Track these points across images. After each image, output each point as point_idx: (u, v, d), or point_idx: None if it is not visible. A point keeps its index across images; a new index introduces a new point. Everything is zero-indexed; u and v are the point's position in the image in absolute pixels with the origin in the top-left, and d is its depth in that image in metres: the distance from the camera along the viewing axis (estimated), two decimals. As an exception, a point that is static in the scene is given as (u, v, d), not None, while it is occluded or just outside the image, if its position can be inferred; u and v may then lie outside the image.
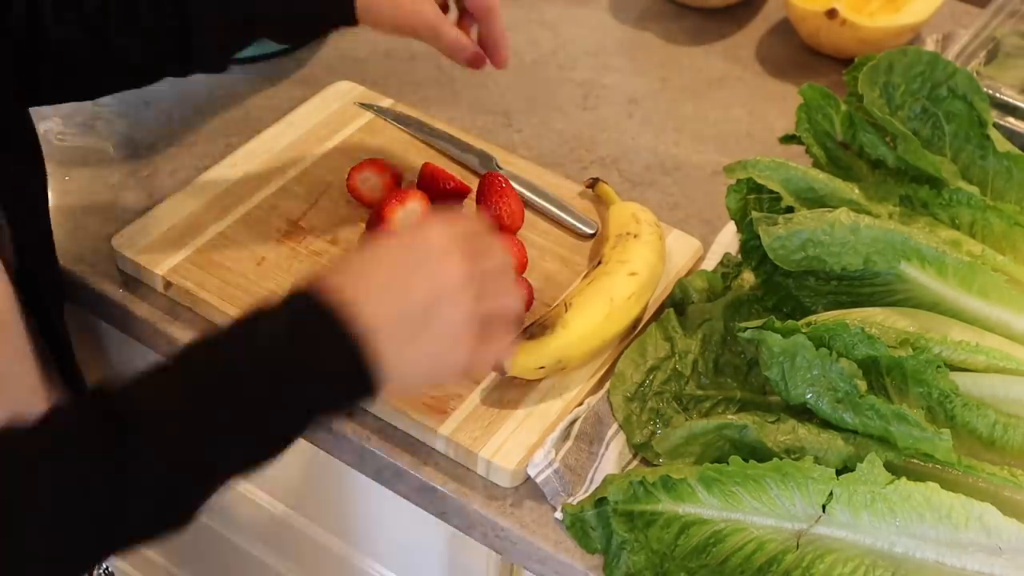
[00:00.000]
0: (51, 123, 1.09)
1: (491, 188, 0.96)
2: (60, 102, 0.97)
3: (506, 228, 0.97)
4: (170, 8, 0.86)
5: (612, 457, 0.84)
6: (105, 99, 1.13)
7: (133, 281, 0.95)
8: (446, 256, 0.67)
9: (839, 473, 0.74)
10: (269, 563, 1.18)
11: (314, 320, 0.64)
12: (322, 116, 1.09)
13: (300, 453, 0.96)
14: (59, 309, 0.89)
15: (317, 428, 0.67)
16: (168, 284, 0.93)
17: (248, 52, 1.18)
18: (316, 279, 0.66)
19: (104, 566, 1.35)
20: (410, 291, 0.66)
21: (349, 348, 0.64)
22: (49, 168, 1.05)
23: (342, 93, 1.11)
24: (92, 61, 0.87)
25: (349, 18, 0.88)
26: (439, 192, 0.98)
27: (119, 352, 1.06)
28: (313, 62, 1.20)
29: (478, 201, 0.97)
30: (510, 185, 0.97)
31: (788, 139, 1.01)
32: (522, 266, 0.94)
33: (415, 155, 1.05)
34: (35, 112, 0.88)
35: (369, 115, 1.09)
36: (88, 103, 1.12)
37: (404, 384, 0.68)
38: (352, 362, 0.64)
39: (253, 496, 1.11)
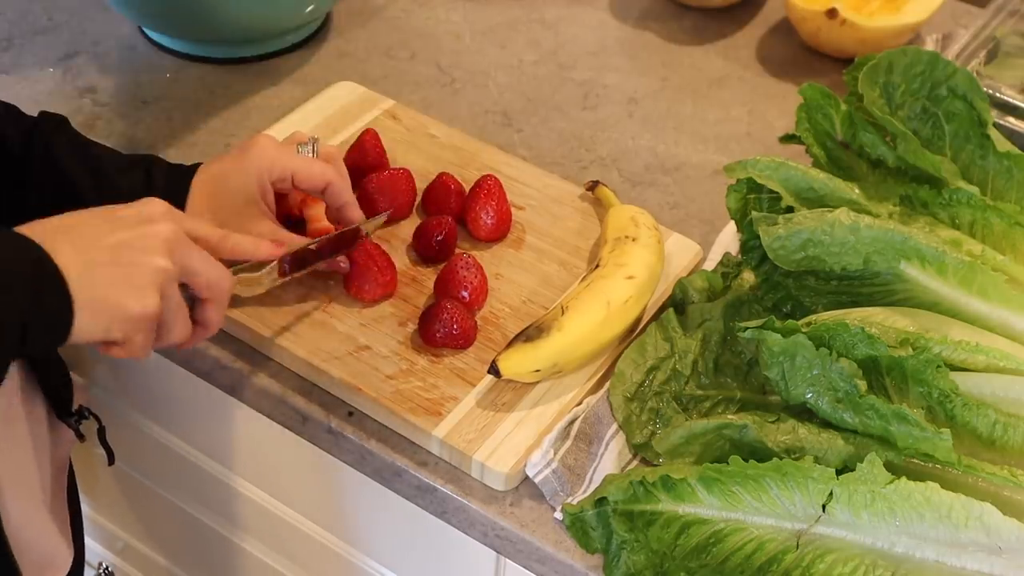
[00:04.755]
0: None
1: (481, 190, 0.97)
2: None
3: (495, 231, 0.97)
4: (13, 172, 0.86)
5: (611, 457, 0.84)
6: (105, 99, 1.13)
7: (133, 281, 0.95)
8: (157, 218, 0.71)
9: (839, 473, 0.74)
10: (269, 563, 1.18)
11: (6, 242, 0.67)
12: (322, 116, 1.09)
13: (300, 453, 0.96)
14: None
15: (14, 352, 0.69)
16: (167, 284, 0.93)
17: (248, 52, 1.19)
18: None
19: (104, 566, 1.36)
20: (110, 229, 0.69)
21: (28, 260, 0.66)
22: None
23: (342, 93, 1.11)
24: None
25: None
26: (443, 204, 0.98)
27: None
28: (313, 62, 1.20)
29: (469, 201, 0.97)
30: (502, 189, 0.97)
31: (788, 139, 1.02)
32: (482, 288, 0.92)
33: (415, 157, 1.05)
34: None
35: (370, 115, 1.09)
36: (88, 102, 1.12)
37: (89, 314, 0.68)
38: (32, 273, 0.66)
39: (253, 496, 1.11)
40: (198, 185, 0.87)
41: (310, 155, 0.90)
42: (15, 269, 0.65)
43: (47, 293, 0.66)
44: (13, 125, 0.86)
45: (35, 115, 0.88)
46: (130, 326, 0.69)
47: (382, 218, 0.93)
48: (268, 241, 0.81)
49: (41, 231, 0.68)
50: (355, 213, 0.90)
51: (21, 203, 0.86)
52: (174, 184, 0.87)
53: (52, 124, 0.87)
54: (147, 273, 0.69)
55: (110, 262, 0.68)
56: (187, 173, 0.88)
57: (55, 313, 0.67)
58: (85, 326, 0.68)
